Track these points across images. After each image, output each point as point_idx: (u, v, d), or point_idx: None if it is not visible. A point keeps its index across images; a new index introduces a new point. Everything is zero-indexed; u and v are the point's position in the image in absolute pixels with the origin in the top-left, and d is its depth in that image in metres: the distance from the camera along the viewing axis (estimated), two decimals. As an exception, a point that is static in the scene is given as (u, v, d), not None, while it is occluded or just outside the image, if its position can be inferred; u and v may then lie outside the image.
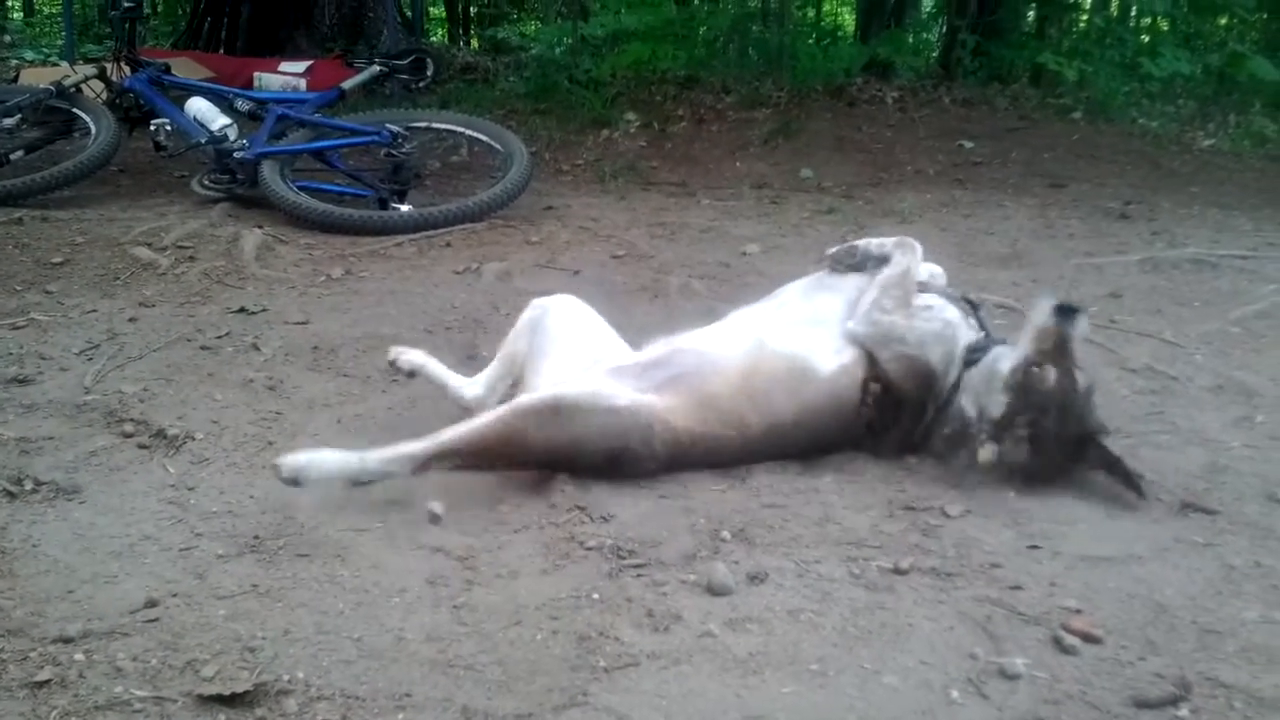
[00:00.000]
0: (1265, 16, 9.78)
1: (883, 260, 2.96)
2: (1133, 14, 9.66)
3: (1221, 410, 3.23)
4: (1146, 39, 9.38)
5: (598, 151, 7.26)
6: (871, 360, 2.77)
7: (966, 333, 2.85)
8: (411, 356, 3.00)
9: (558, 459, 2.58)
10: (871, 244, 3.04)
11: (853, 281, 2.95)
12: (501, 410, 2.60)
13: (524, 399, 2.63)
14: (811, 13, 11.40)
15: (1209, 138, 7.72)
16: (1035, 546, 2.38)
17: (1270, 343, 3.82)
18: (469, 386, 2.97)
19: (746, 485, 2.65)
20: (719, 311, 4.02)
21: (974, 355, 2.77)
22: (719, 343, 2.81)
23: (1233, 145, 7.55)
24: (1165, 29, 9.38)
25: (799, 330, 2.83)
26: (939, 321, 2.83)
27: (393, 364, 3.00)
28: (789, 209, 6.00)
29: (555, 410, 2.56)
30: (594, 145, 7.39)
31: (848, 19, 12.63)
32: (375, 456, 2.46)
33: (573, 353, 2.89)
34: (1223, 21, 9.41)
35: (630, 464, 2.60)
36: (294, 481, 2.42)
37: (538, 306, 3.01)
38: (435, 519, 2.42)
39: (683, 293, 4.35)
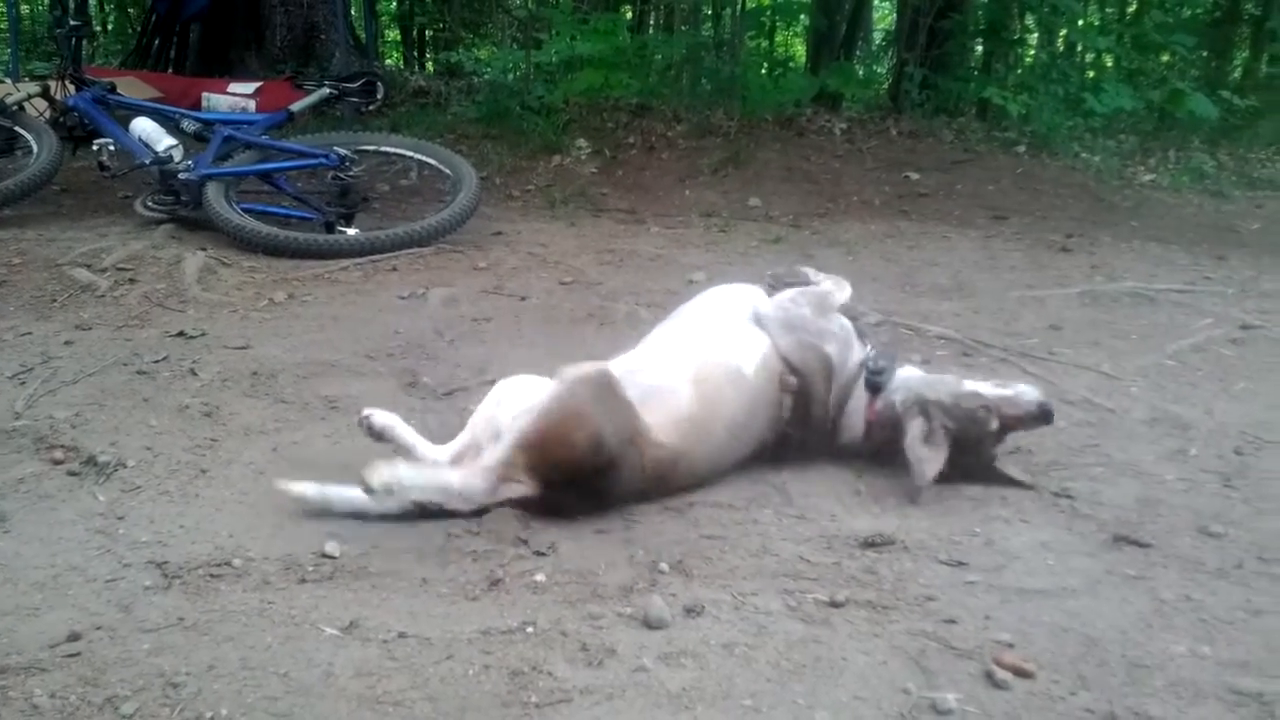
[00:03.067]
0: (1205, 54, 10.02)
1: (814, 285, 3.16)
2: (1078, 50, 9.84)
3: (1156, 443, 3.28)
4: (1091, 74, 9.57)
5: (548, 177, 7.26)
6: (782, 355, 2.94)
7: (859, 345, 3.07)
8: (382, 418, 2.89)
9: (601, 450, 2.55)
10: (810, 271, 3.19)
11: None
12: (553, 383, 2.62)
13: (571, 368, 2.63)
14: (764, 43, 11.50)
15: (1149, 173, 7.88)
16: (971, 581, 2.40)
17: (1205, 376, 3.89)
18: (437, 452, 2.88)
19: (686, 516, 2.65)
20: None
21: (877, 371, 3.00)
22: (663, 360, 2.86)
23: (1173, 181, 7.70)
24: (1109, 65, 9.58)
25: (723, 335, 2.94)
26: (838, 325, 3.03)
27: (362, 423, 2.90)
28: (737, 237, 6.03)
29: (605, 380, 2.59)
30: (545, 171, 7.39)
31: (799, 50, 12.75)
32: (457, 475, 2.57)
33: None
34: (1164, 59, 9.61)
35: (622, 478, 2.61)
36: (387, 492, 2.48)
37: (504, 385, 2.94)
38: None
39: (629, 320, 4.34)
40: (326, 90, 6.09)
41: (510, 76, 9.56)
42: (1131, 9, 10.46)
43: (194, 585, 2.23)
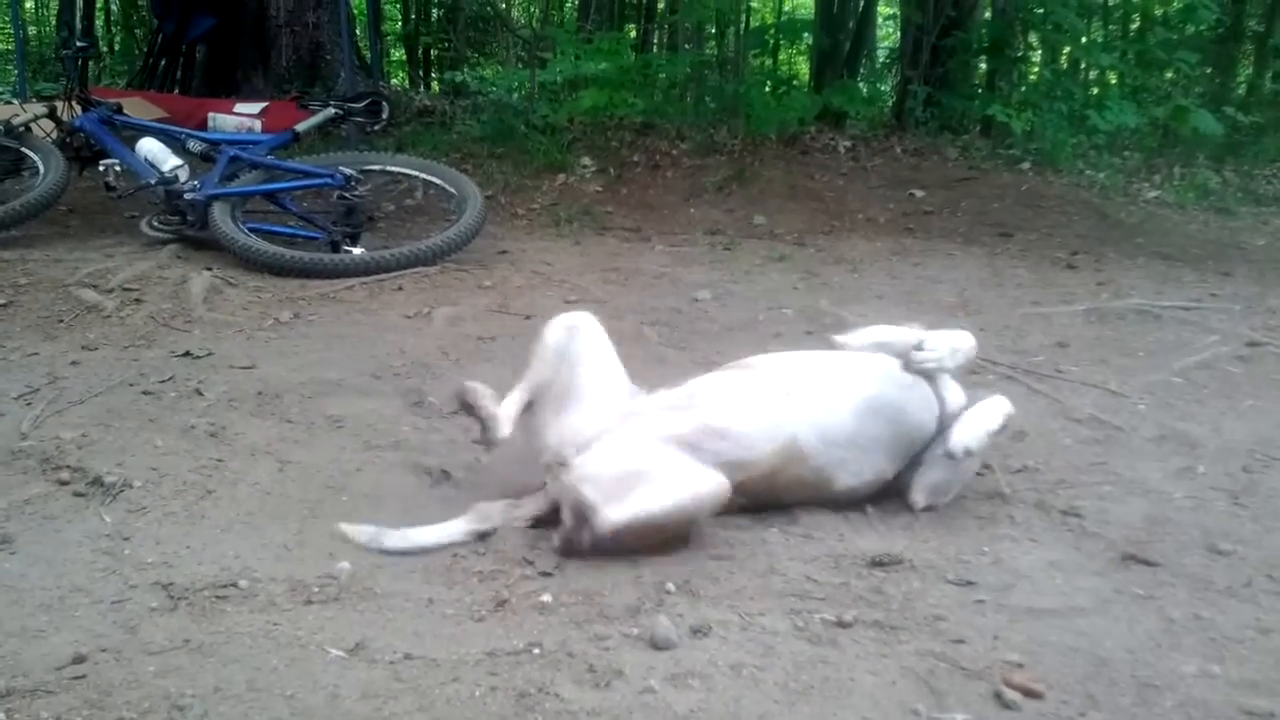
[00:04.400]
0: (1209, 71, 10.03)
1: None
2: (1081, 67, 9.86)
3: (1164, 461, 3.27)
4: (1095, 91, 9.58)
5: (553, 196, 7.28)
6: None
7: None
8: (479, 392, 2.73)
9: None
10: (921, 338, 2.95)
11: (897, 394, 2.88)
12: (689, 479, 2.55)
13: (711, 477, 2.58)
14: (768, 62, 11.53)
15: (1154, 189, 7.88)
16: (980, 600, 2.38)
17: (1212, 394, 3.88)
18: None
19: (692, 536, 2.64)
20: (668, 359, 4.09)
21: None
22: (748, 420, 2.70)
23: (1177, 197, 7.70)
24: (1113, 82, 9.59)
25: (838, 447, 2.78)
26: None
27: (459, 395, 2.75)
28: (741, 255, 6.04)
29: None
30: (549, 190, 7.40)
31: (803, 68, 12.77)
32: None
33: (603, 389, 2.83)
34: (1168, 75, 9.62)
35: None
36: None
37: (561, 328, 2.85)
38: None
39: (634, 339, 4.34)
40: (332, 110, 6.11)
41: (515, 96, 9.60)
42: (1135, 26, 10.48)
43: (200, 606, 2.23)
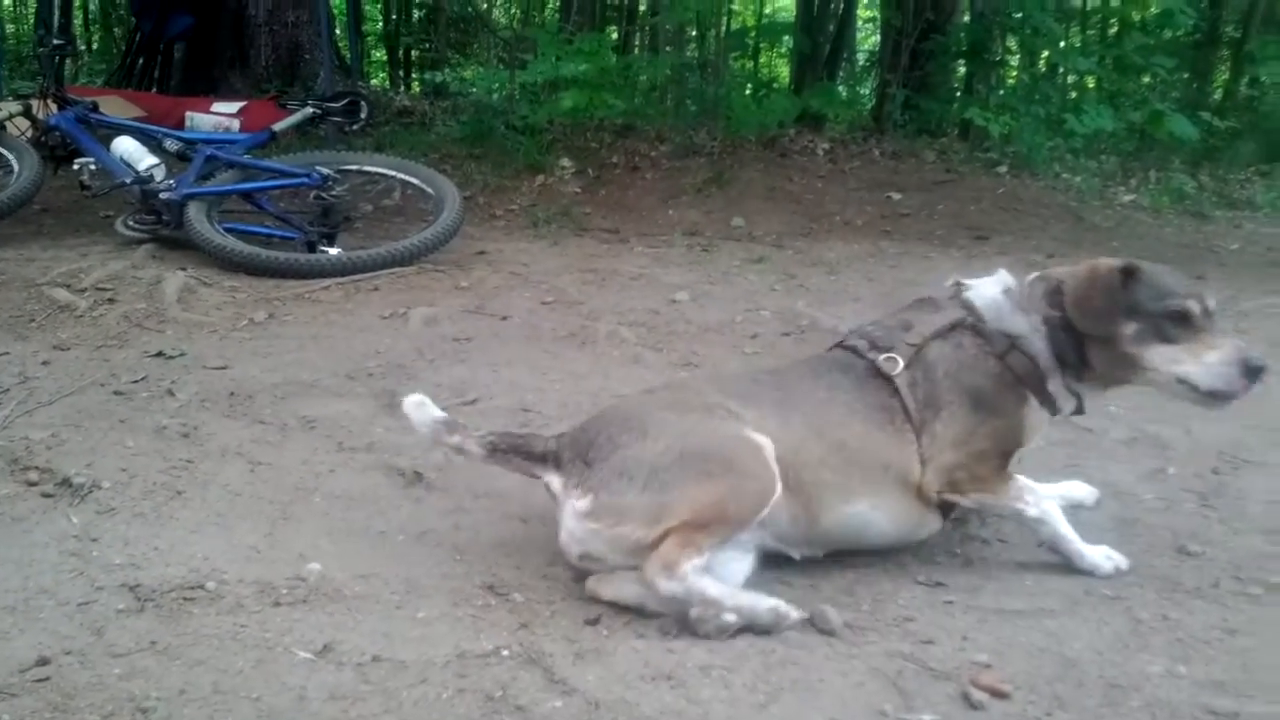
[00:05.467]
0: (1186, 76, 10.09)
1: None
2: (1059, 71, 9.90)
3: (1135, 463, 3.29)
4: (1073, 95, 9.62)
5: (532, 197, 7.27)
6: None
7: None
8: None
9: None
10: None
11: None
12: None
13: None
14: (750, 64, 11.54)
15: (1130, 193, 7.92)
16: (949, 601, 2.39)
17: (1184, 396, 3.89)
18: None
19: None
20: (644, 359, 4.10)
21: None
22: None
23: (1153, 201, 7.74)
24: (1090, 87, 9.63)
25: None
26: None
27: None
28: (719, 257, 6.05)
29: None
30: (528, 191, 7.40)
31: (784, 70, 12.80)
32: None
33: None
34: (1145, 80, 9.66)
35: None
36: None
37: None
38: None
39: (610, 340, 4.35)
40: (310, 110, 6.08)
41: (495, 96, 9.57)
42: (1113, 31, 10.53)
43: (167, 609, 2.21)
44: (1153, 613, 2.36)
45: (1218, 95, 10.14)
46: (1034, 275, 2.71)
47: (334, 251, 5.25)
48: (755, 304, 5.01)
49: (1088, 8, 10.42)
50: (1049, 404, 2.60)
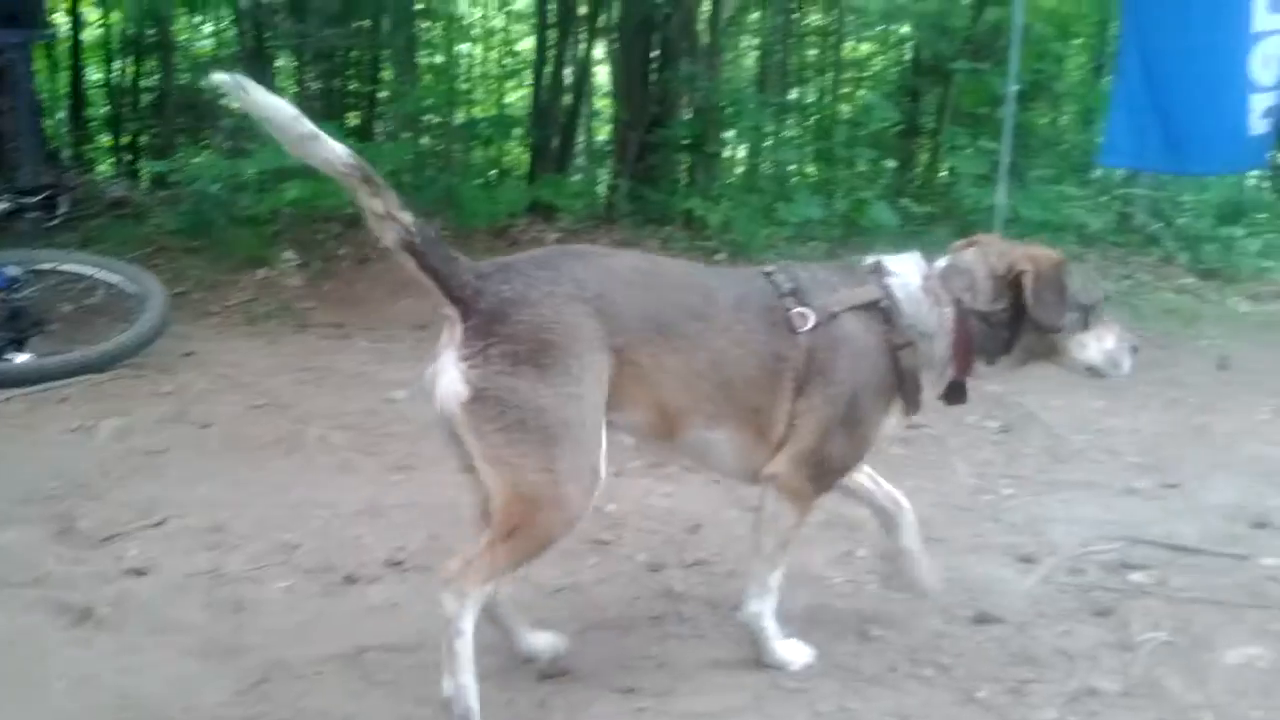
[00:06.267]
0: (893, 165, 10.85)
1: None
2: (775, 163, 10.42)
3: (828, 546, 3.41)
4: (794, 182, 10.14)
5: (252, 292, 7.02)
6: None
7: None
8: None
9: None
10: None
11: None
12: None
13: None
14: (491, 152, 11.60)
15: (839, 277, 8.35)
16: (641, 708, 2.40)
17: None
18: None
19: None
20: (354, 466, 3.98)
21: None
22: None
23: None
24: (801, 177, 10.21)
25: None
26: None
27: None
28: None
29: None
30: (248, 285, 7.14)
31: (523, 159, 12.96)
32: None
33: None
34: (856, 169, 10.31)
35: None
36: None
37: None
38: None
39: (320, 446, 4.21)
40: (4, 204, 5.69)
41: (216, 187, 9.22)
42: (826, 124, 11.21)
43: None
44: (833, 704, 2.45)
45: (918, 183, 10.92)
46: (945, 263, 2.69)
47: (20, 359, 4.88)
48: (476, 400, 4.96)
49: (802, 102, 11.06)
50: (913, 407, 2.63)
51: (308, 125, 2.13)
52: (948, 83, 9.94)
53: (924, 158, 11.47)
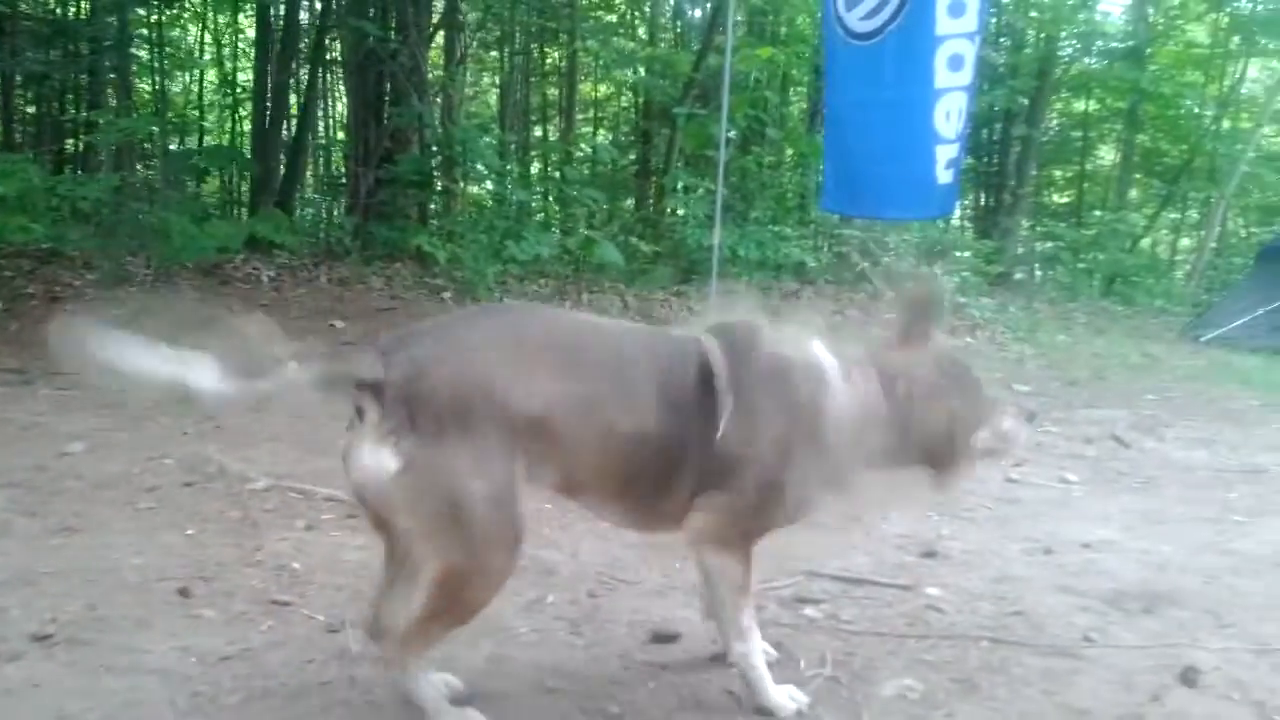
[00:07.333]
0: (626, 204, 11.08)
1: None
2: (504, 202, 10.43)
3: (519, 593, 3.32)
4: (531, 219, 10.17)
5: (-87, 338, 6.38)
6: None
7: None
8: None
9: None
10: None
11: None
12: None
13: None
14: (214, 183, 11.09)
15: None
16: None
17: (577, 518, 4.07)
18: None
19: None
20: (14, 529, 3.62)
21: None
22: None
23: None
24: (537, 214, 10.27)
25: None
26: None
27: None
28: (132, 397, 5.59)
29: None
30: (-89, 330, 6.49)
31: (244, 191, 12.47)
32: None
33: None
34: (587, 208, 10.44)
35: None
36: None
37: None
38: None
39: (-28, 511, 3.80)
40: None
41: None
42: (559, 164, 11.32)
43: None
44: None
45: (649, 223, 11.19)
46: (861, 358, 2.58)
47: None
48: (161, 451, 4.64)
49: (532, 141, 11.16)
50: None
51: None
52: (674, 126, 10.25)
53: (653, 198, 11.78)
